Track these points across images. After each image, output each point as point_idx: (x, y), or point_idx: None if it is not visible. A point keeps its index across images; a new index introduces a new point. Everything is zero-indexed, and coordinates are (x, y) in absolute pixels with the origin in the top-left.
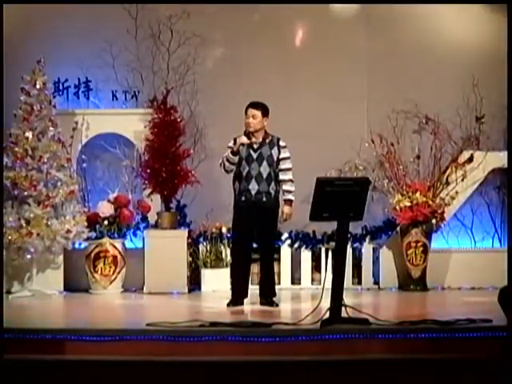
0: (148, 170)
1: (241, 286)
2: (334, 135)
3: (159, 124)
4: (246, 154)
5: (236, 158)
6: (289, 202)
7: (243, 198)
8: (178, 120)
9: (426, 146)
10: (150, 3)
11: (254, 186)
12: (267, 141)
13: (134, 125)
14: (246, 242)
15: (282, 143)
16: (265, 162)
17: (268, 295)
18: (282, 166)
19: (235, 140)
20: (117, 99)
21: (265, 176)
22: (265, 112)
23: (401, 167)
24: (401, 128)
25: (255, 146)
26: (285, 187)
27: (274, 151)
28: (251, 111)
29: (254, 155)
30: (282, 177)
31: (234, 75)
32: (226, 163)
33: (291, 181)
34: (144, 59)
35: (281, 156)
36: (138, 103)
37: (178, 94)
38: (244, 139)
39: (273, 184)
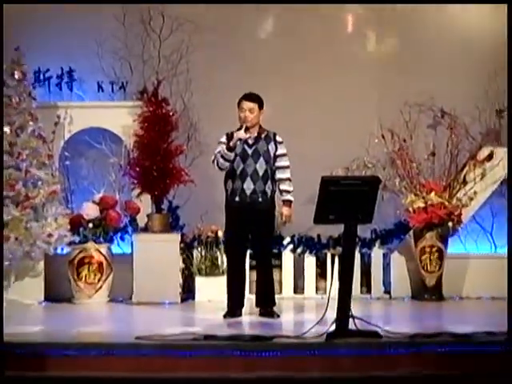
0: (137, 168)
1: (237, 296)
2: (341, 130)
3: (149, 118)
4: (241, 150)
5: (232, 155)
6: (288, 202)
7: (237, 199)
8: (170, 113)
9: (442, 142)
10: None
11: (248, 185)
12: (263, 136)
13: (121, 119)
14: (240, 246)
15: (278, 138)
16: (261, 159)
17: (267, 305)
18: (280, 163)
19: (228, 135)
20: (103, 91)
21: (261, 174)
22: (261, 104)
23: (414, 165)
24: (414, 122)
25: (250, 142)
26: (283, 187)
27: (271, 147)
28: (247, 104)
29: (249, 151)
30: (279, 175)
31: (231, 64)
32: (221, 160)
33: (289, 180)
34: (133, 47)
35: (278, 152)
36: (126, 95)
37: (171, 84)
38: (242, 134)
39: (269, 183)
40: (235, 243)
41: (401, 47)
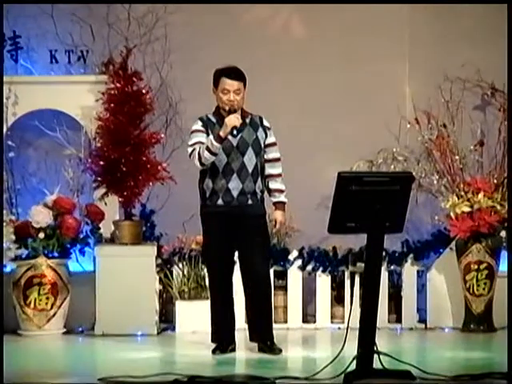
0: (101, 162)
1: (227, 326)
2: (364, 113)
3: (117, 97)
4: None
5: (220, 147)
6: (281, 205)
7: (220, 202)
8: (144, 91)
9: (493, 128)
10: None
11: (235, 185)
12: (247, 121)
13: (80, 98)
14: (224, 263)
15: (266, 123)
16: (249, 150)
17: (266, 337)
18: (270, 155)
19: (203, 121)
20: (57, 62)
21: (250, 170)
22: (246, 82)
23: (456, 158)
24: (457, 103)
25: (234, 130)
26: (275, 185)
27: (260, 134)
28: (232, 84)
29: (234, 141)
30: (269, 170)
31: (221, 29)
32: (206, 154)
33: (281, 176)
34: (96, 6)
35: (268, 141)
36: (86, 67)
37: (144, 54)
38: (236, 119)
39: (259, 181)
40: (218, 259)
41: (438, 4)
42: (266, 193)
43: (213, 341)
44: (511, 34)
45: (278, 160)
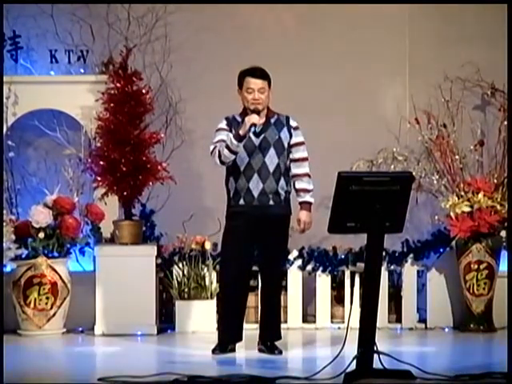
0: (101, 162)
1: (233, 326)
2: (364, 113)
3: (116, 97)
4: (244, 140)
5: (241, 145)
6: (307, 205)
7: (241, 202)
8: (144, 91)
9: (493, 128)
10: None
11: (256, 185)
12: (272, 121)
13: (80, 98)
14: (243, 264)
15: (293, 123)
16: (271, 150)
17: (272, 338)
18: (296, 154)
19: (228, 120)
20: (57, 62)
21: (272, 169)
22: (270, 82)
23: (457, 158)
24: (457, 103)
25: (257, 129)
26: (300, 185)
27: (284, 134)
28: (255, 83)
29: (256, 141)
30: (295, 170)
31: (221, 29)
32: (225, 152)
33: (308, 176)
34: (95, 6)
35: (293, 141)
36: (86, 67)
37: (144, 54)
38: (256, 118)
39: (282, 181)
40: (236, 259)
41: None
42: (292, 193)
43: (220, 341)
44: (511, 33)
45: (304, 159)
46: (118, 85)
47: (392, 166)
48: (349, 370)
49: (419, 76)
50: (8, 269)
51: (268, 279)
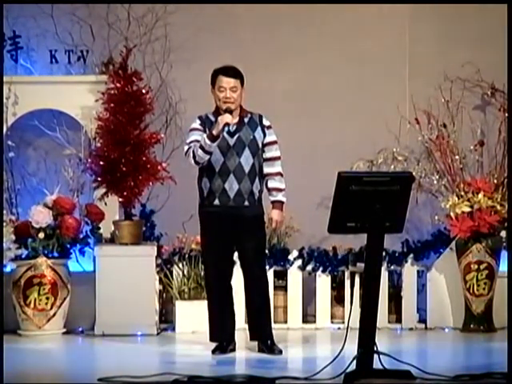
0: (101, 162)
1: (225, 326)
2: (364, 113)
3: (117, 97)
4: (219, 139)
5: (214, 145)
6: (279, 204)
7: (216, 202)
8: (143, 91)
9: (493, 128)
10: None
11: (232, 185)
12: (246, 120)
13: (80, 98)
14: (225, 264)
15: (266, 122)
16: (246, 150)
17: (260, 338)
18: (269, 153)
19: (201, 119)
20: (57, 62)
21: (247, 170)
22: (243, 81)
23: (457, 157)
24: (457, 103)
25: (231, 128)
26: (272, 184)
27: (258, 134)
28: (228, 81)
29: (231, 141)
30: (267, 169)
31: (221, 29)
32: (199, 152)
33: (281, 174)
34: (95, 6)
35: (266, 140)
36: (86, 67)
37: (144, 54)
38: (230, 117)
39: (257, 181)
40: (215, 259)
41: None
42: (264, 192)
43: (211, 340)
44: (511, 33)
45: (276, 159)
46: (118, 85)
47: (392, 166)
48: (349, 370)
49: (419, 76)
50: (8, 269)
51: (250, 279)
